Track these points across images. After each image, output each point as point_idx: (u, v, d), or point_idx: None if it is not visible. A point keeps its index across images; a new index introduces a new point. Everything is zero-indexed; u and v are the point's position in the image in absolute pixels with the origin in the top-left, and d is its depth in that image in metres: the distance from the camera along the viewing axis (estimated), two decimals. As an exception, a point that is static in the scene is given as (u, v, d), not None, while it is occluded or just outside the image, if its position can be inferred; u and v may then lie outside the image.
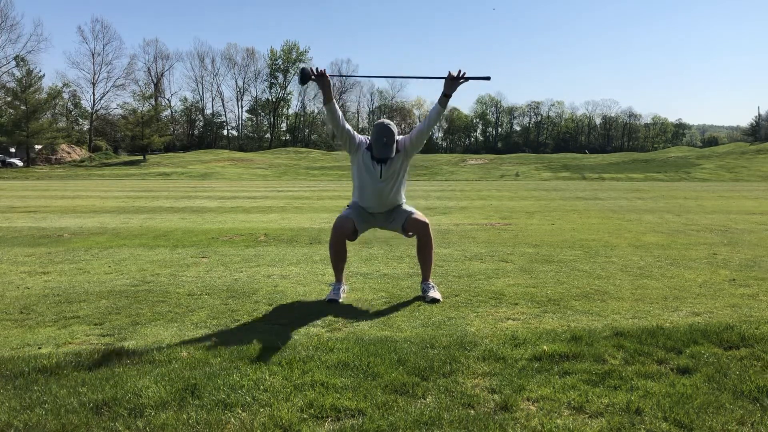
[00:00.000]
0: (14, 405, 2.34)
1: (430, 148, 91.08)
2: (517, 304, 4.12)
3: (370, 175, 4.22)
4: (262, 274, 5.30)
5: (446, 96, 4.07)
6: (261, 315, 3.87)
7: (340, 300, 4.20)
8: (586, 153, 69.39)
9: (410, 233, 4.42)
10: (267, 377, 2.60)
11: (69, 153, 58.20)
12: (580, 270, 5.41)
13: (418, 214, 4.37)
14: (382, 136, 4.11)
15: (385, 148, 4.13)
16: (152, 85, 75.06)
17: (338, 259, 4.33)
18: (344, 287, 4.37)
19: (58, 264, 5.90)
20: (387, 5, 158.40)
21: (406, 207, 4.47)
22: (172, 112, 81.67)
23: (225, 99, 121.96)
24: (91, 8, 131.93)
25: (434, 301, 4.16)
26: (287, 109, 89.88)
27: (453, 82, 4.03)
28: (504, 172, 45.99)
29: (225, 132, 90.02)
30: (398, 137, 4.24)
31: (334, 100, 4.17)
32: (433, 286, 4.34)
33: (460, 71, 3.99)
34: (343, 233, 4.25)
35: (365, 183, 4.25)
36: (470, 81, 4.05)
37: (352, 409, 2.26)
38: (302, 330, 3.50)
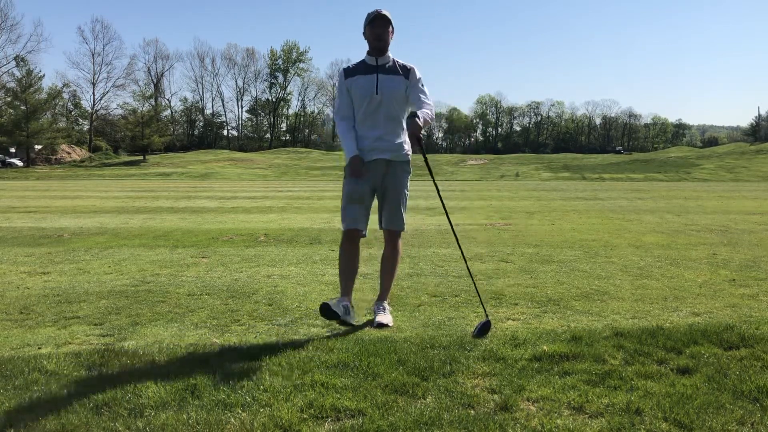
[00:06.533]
0: (14, 405, 2.34)
1: (430, 148, 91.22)
2: (517, 304, 4.12)
3: (364, 93, 3.59)
4: (262, 274, 5.29)
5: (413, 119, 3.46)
6: (261, 315, 3.87)
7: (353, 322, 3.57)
8: (621, 152, 68.74)
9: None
10: (267, 377, 2.59)
11: (69, 153, 58.23)
12: (580, 270, 5.41)
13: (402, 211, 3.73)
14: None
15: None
16: (152, 85, 75.20)
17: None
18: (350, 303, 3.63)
19: (58, 264, 5.90)
20: (387, 5, 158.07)
21: (406, 179, 3.74)
22: (172, 112, 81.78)
23: (225, 99, 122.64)
24: (91, 8, 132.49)
25: (381, 326, 3.54)
26: (287, 109, 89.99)
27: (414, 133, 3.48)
28: (504, 172, 45.98)
29: (225, 132, 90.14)
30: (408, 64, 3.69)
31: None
32: (384, 308, 3.74)
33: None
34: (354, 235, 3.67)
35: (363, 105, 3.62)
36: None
37: (352, 409, 2.26)
38: (302, 330, 3.49)
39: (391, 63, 3.64)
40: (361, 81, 3.59)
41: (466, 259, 3.93)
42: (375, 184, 3.65)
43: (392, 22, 3.61)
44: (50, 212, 12.30)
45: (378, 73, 3.59)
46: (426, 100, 3.65)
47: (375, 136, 3.59)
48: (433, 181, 3.85)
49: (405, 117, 3.69)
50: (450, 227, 3.87)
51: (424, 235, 8.10)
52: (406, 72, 3.65)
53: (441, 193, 4.05)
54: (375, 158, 3.60)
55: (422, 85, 3.69)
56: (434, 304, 4.14)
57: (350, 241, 3.64)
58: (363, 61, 3.67)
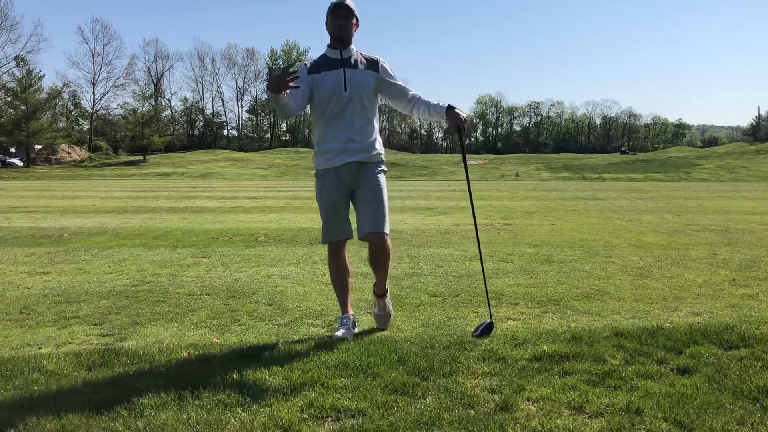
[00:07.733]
0: (14, 405, 2.34)
1: (430, 148, 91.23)
2: (517, 304, 4.12)
3: (331, 91, 3.27)
4: (262, 274, 5.29)
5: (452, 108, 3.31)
6: (261, 315, 3.87)
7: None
8: (627, 152, 68.62)
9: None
10: (267, 377, 2.59)
11: (69, 153, 58.21)
12: (580, 270, 5.41)
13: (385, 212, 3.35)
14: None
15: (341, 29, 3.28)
16: (152, 85, 75.26)
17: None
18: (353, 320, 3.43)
19: (58, 264, 5.90)
20: (387, 5, 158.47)
21: (382, 178, 3.41)
22: (172, 112, 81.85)
23: (225, 99, 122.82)
24: (91, 8, 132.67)
25: (380, 317, 3.55)
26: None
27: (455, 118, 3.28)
28: (504, 172, 45.98)
29: (225, 132, 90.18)
30: (376, 57, 3.44)
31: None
32: (386, 306, 3.55)
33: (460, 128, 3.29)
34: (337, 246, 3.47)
35: (330, 107, 3.29)
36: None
37: (352, 409, 2.26)
38: (302, 330, 3.50)
39: (356, 56, 3.35)
40: (328, 77, 3.26)
41: (483, 261, 3.85)
42: (348, 190, 3.34)
43: (356, 12, 3.32)
44: (50, 212, 12.30)
45: (345, 68, 3.29)
46: (410, 88, 3.44)
47: (345, 137, 3.26)
48: (467, 178, 3.65)
49: (375, 114, 3.43)
50: (474, 228, 3.79)
51: (424, 235, 8.10)
52: (374, 65, 3.36)
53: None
54: (345, 162, 3.27)
55: (395, 74, 3.44)
56: (434, 304, 4.14)
57: (335, 252, 3.47)
58: (324, 56, 3.35)
